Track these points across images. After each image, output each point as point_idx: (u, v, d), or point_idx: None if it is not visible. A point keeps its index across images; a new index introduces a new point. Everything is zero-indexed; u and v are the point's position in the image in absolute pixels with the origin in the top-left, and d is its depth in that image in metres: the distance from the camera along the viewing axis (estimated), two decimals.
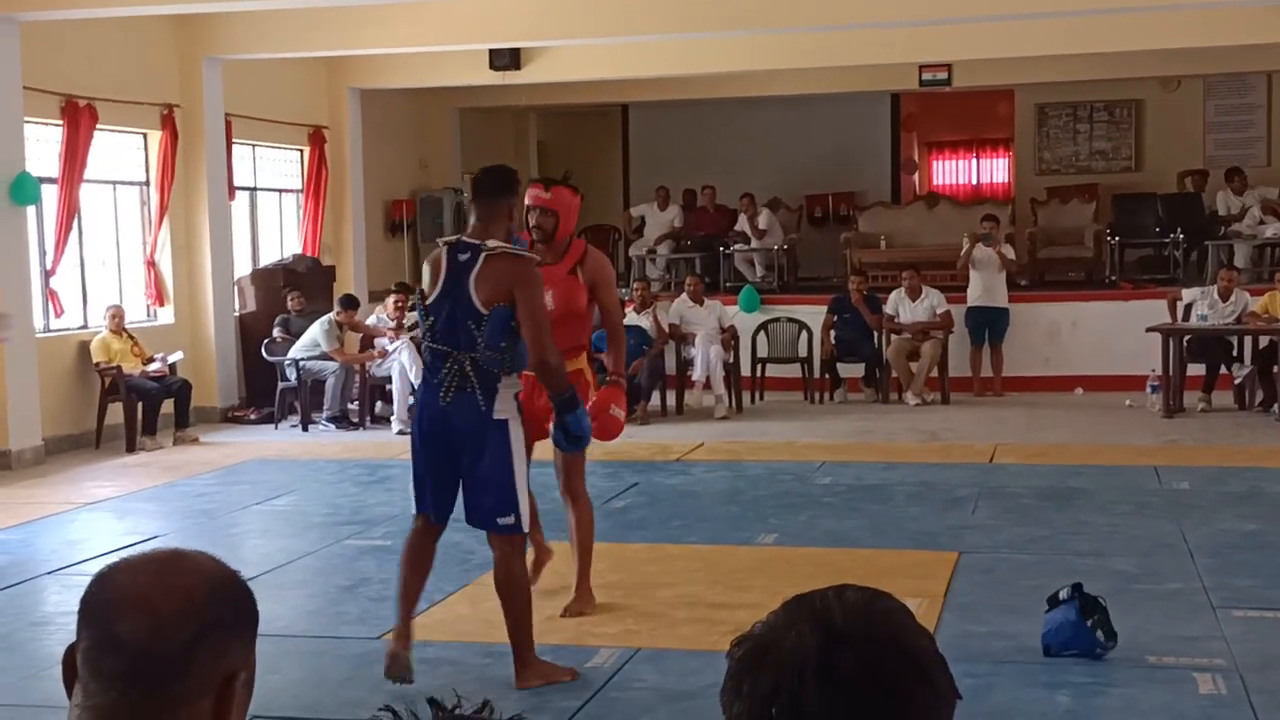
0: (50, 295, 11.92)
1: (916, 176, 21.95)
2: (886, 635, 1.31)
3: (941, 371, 13.96)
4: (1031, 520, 8.39)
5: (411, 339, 12.87)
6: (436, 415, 5.37)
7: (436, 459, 5.40)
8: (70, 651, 1.49)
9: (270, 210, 15.50)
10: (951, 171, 22.69)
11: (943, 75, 16.04)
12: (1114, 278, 16.23)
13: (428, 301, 5.38)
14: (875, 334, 14.20)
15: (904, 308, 14.09)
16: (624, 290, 15.39)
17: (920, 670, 1.31)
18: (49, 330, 11.92)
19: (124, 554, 1.56)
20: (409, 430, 12.49)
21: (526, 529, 5.48)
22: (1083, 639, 5.60)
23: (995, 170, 22.36)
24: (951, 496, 9.17)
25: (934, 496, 9.22)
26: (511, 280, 5.24)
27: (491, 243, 5.31)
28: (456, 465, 5.37)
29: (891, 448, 11.36)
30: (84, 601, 1.49)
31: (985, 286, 14.23)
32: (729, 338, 13.77)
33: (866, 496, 9.23)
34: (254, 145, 14.92)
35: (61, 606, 6.62)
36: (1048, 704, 5.25)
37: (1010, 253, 14.48)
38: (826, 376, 14.29)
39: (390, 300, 13.38)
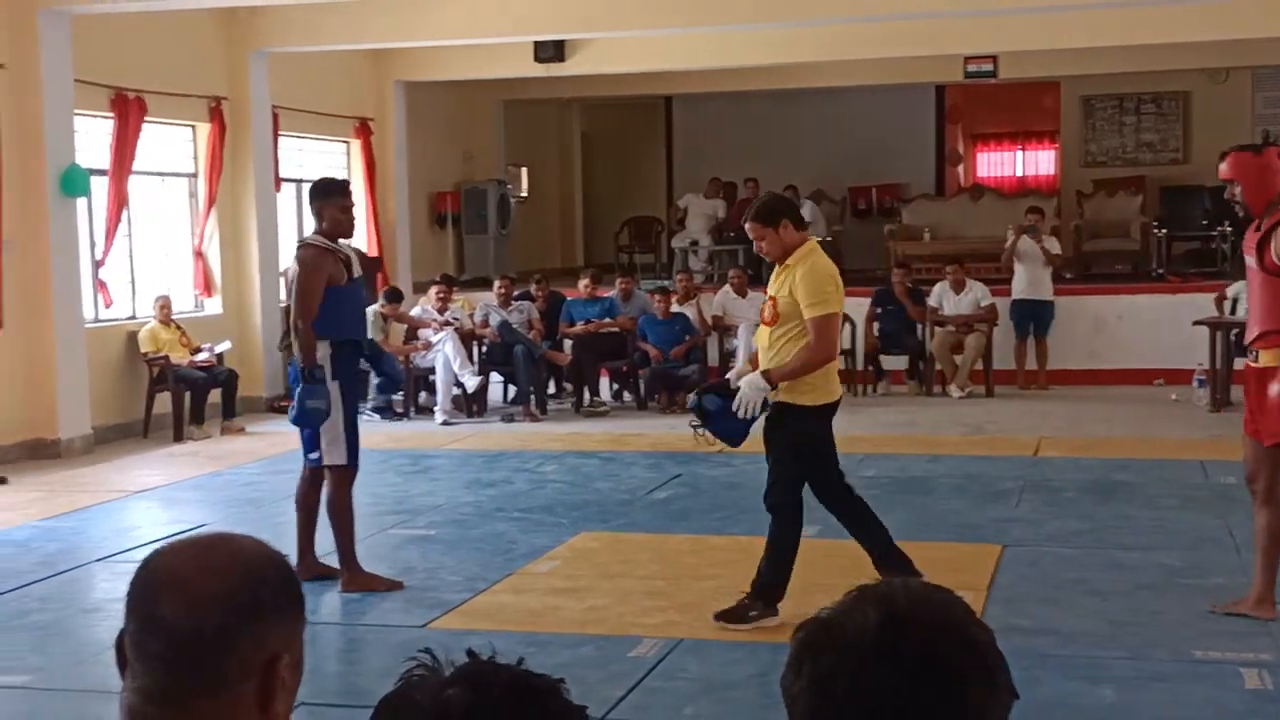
0: (100, 286, 12.04)
1: (961, 168, 21.86)
2: (947, 623, 1.34)
3: (986, 364, 13.89)
4: (1076, 514, 8.35)
5: (456, 330, 12.95)
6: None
7: None
8: (121, 636, 1.51)
9: None
10: (996, 164, 22.59)
11: (988, 67, 15.97)
12: (1161, 271, 16.11)
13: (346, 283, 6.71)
14: (919, 327, 14.15)
15: (948, 300, 14.03)
16: (666, 282, 15.40)
17: (978, 660, 1.33)
18: (98, 320, 12.04)
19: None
20: (453, 420, 12.59)
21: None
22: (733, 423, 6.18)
23: (1040, 162, 22.25)
24: (995, 489, 9.14)
25: (978, 489, 9.19)
26: None
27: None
28: None
29: (935, 440, 11.32)
30: (131, 586, 1.51)
31: (1030, 279, 14.14)
32: None
33: (910, 489, 9.20)
34: (300, 137, 15.02)
35: (111, 593, 6.69)
36: (1092, 697, 5.24)
37: (1055, 246, 14.36)
38: (870, 369, 14.24)
39: (433, 292, 13.43)
